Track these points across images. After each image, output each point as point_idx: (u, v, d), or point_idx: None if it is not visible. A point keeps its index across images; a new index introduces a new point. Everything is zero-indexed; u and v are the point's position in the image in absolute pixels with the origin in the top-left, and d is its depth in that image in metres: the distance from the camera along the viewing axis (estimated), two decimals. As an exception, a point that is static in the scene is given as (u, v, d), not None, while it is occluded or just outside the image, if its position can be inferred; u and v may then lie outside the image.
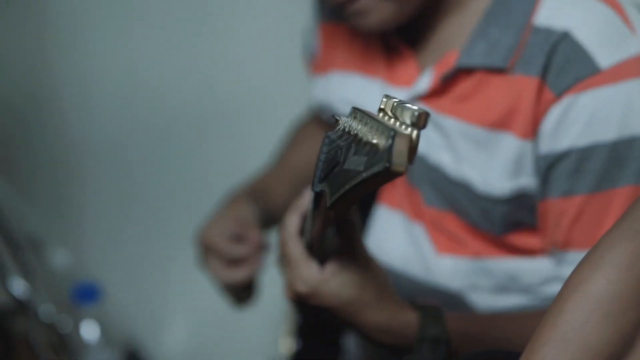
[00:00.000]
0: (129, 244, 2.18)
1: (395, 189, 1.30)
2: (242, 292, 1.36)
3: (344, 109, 1.32)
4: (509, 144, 1.17)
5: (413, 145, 0.75)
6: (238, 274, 1.33)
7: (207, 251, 1.35)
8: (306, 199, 1.07)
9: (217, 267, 1.34)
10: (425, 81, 1.22)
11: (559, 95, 1.13)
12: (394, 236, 1.30)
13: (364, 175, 0.78)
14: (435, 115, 1.22)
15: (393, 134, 0.74)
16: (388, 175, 0.75)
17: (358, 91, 1.32)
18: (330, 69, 1.37)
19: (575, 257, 1.16)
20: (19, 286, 1.70)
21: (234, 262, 1.33)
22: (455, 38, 1.22)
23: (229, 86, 2.07)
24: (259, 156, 1.71)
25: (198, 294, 2.04)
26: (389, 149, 0.74)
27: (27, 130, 2.15)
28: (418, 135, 0.76)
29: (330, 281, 1.03)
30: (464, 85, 1.20)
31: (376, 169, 0.76)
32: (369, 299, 1.04)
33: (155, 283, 2.17)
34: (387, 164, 0.74)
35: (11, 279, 1.70)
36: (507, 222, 1.21)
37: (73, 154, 2.16)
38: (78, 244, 2.14)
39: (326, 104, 1.37)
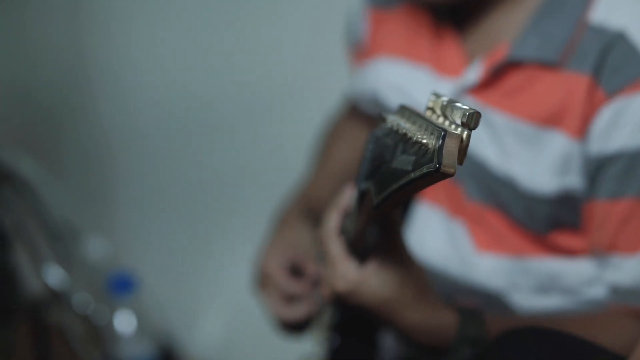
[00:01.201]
0: (165, 235, 2.18)
1: (435, 184, 1.28)
2: (295, 327, 1.35)
3: (391, 95, 1.31)
4: (558, 142, 1.15)
5: (463, 146, 0.74)
6: (294, 313, 1.31)
7: (264, 281, 1.34)
8: (346, 196, 1.06)
9: (273, 301, 1.32)
10: (474, 73, 1.20)
11: (611, 95, 1.11)
12: (433, 233, 1.29)
13: (413, 175, 0.76)
14: (482, 109, 1.20)
15: (444, 134, 0.73)
16: (437, 176, 0.74)
17: (405, 78, 1.30)
18: (378, 54, 1.35)
19: (619, 260, 1.14)
20: (55, 275, 1.70)
21: (291, 298, 1.32)
22: (507, 30, 1.20)
23: (262, 78, 2.06)
24: (293, 148, 1.71)
25: (233, 287, 2.03)
26: (439, 149, 0.72)
27: (64, 119, 2.16)
28: (469, 136, 0.74)
29: (370, 280, 1.02)
30: (514, 79, 1.18)
31: (425, 169, 0.74)
32: (409, 298, 1.03)
33: (191, 275, 2.17)
34: (437, 165, 0.72)
35: (47, 267, 1.71)
36: (550, 220, 1.19)
37: (110, 144, 2.16)
38: (114, 233, 2.14)
39: (371, 90, 1.36)
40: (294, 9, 1.99)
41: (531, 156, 1.17)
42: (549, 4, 1.17)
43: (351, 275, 1.02)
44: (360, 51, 1.40)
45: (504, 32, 1.20)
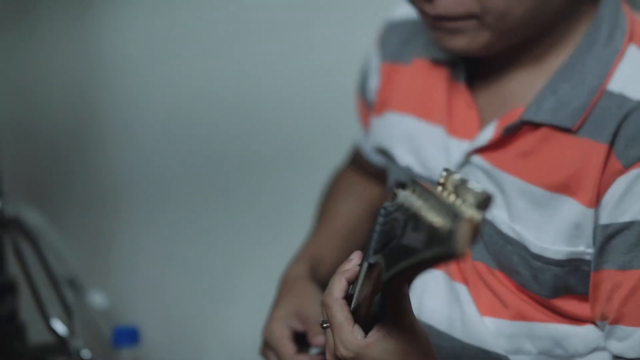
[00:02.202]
0: (169, 286, 2.18)
1: None
2: None
3: (400, 148, 1.31)
4: (570, 210, 1.14)
5: (476, 229, 0.74)
6: None
7: (267, 347, 1.34)
8: (352, 263, 1.06)
9: None
10: (487, 133, 1.20)
11: (627, 166, 1.10)
12: (436, 296, 1.28)
13: (424, 255, 0.76)
14: (493, 170, 1.20)
15: (457, 217, 0.73)
16: (449, 258, 0.74)
17: (415, 132, 1.30)
18: (388, 109, 1.35)
19: (624, 332, 1.13)
20: (59, 325, 1.70)
21: None
22: (523, 94, 1.20)
23: (276, 121, 2.07)
24: (306, 197, 1.70)
25: (238, 337, 2.03)
26: (453, 232, 0.73)
27: (67, 168, 2.16)
28: (483, 219, 0.74)
29: (374, 347, 1.01)
30: (527, 141, 1.17)
31: (438, 251, 0.74)
32: None
33: (194, 326, 2.16)
34: (451, 248, 0.73)
35: (52, 318, 1.70)
36: (557, 286, 1.18)
37: (113, 194, 2.16)
38: (117, 286, 2.14)
39: (380, 143, 1.36)
40: (307, 47, 2.00)
41: (541, 220, 1.16)
42: (568, 69, 1.17)
43: (355, 341, 1.01)
44: (371, 104, 1.40)
45: (520, 96, 1.20)
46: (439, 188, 0.80)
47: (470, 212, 0.74)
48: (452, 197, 0.78)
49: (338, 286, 1.05)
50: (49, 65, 2.09)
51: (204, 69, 2.06)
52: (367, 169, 1.48)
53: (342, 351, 1.02)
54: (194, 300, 2.17)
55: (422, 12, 1.19)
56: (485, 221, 1.18)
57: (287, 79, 2.04)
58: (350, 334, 1.01)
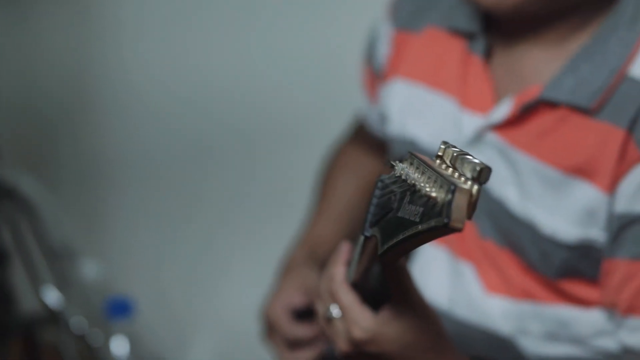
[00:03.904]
0: (162, 259, 2.17)
1: None
2: None
3: (406, 119, 1.29)
4: (585, 193, 1.13)
5: (473, 201, 0.73)
6: (299, 358, 1.30)
7: (270, 328, 1.33)
8: (348, 246, 1.05)
9: (279, 347, 1.32)
10: (503, 110, 1.18)
11: None
12: (438, 274, 1.27)
13: (420, 227, 0.76)
14: (507, 148, 1.18)
15: (453, 188, 0.72)
16: (445, 230, 0.73)
17: (424, 103, 1.27)
18: (397, 76, 1.32)
19: (636, 323, 1.12)
20: (52, 295, 1.69)
21: (297, 343, 1.30)
22: (542, 72, 1.17)
23: (273, 101, 2.06)
24: (296, 177, 1.70)
25: (230, 313, 2.03)
26: (449, 204, 0.72)
27: (63, 138, 2.16)
28: (479, 191, 0.73)
29: (389, 325, 0.99)
30: (544, 120, 1.15)
31: (433, 223, 0.74)
32: (428, 343, 1.01)
33: (187, 301, 2.16)
34: (446, 220, 0.72)
35: (45, 288, 1.70)
36: (566, 268, 1.17)
37: (109, 165, 2.16)
38: (111, 256, 2.14)
39: (385, 112, 1.34)
40: (300, 35, 1.99)
41: (554, 202, 1.15)
42: (589, 50, 1.14)
43: (369, 321, 1.00)
44: (379, 73, 1.37)
45: (538, 74, 1.18)
46: (437, 161, 0.79)
47: (467, 183, 0.73)
48: (449, 170, 0.77)
49: (338, 271, 1.04)
50: (45, 40, 2.09)
51: (200, 52, 2.06)
52: (372, 142, 1.46)
53: (358, 333, 1.00)
54: (188, 273, 2.17)
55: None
56: (482, 193, 1.18)
57: (281, 67, 2.03)
58: (362, 315, 1.00)
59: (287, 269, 1.39)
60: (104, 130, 2.14)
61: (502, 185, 1.19)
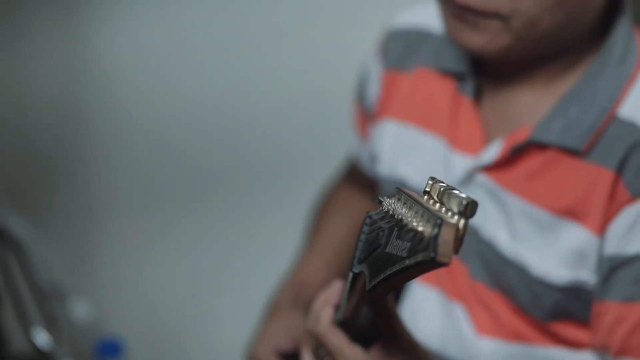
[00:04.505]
0: (152, 300, 2.17)
1: None
2: None
3: (397, 160, 1.29)
4: (575, 235, 1.13)
5: (460, 235, 0.73)
6: None
7: None
8: (336, 287, 1.04)
9: None
10: (493, 151, 1.18)
11: (636, 197, 1.09)
12: (430, 315, 1.27)
13: (407, 262, 0.76)
14: (497, 189, 1.18)
15: (440, 222, 0.72)
16: (432, 264, 0.74)
17: (415, 144, 1.28)
18: (387, 116, 1.32)
19: None
20: (41, 337, 1.68)
21: None
22: (531, 113, 1.18)
23: (261, 128, 2.06)
24: (293, 206, 1.69)
25: (219, 354, 2.02)
26: (435, 238, 0.72)
27: (52, 177, 2.15)
28: (465, 225, 0.73)
29: None
30: (534, 162, 1.16)
31: (420, 257, 0.74)
32: None
33: (177, 341, 2.15)
34: (433, 254, 0.72)
35: (34, 329, 1.69)
36: (557, 310, 1.17)
37: (99, 204, 2.16)
38: (101, 296, 2.13)
39: (376, 153, 1.34)
40: (295, 55, 2.00)
41: (545, 243, 1.15)
42: (578, 91, 1.15)
43: (361, 358, 0.99)
44: (369, 112, 1.38)
45: (528, 115, 1.18)
46: (425, 197, 0.80)
47: (453, 218, 0.73)
48: (437, 205, 0.77)
49: (325, 314, 1.03)
50: (34, 73, 2.09)
51: (190, 77, 2.06)
52: (364, 181, 1.46)
53: None
54: (178, 311, 2.16)
55: (449, 0, 1.14)
56: (468, 227, 1.17)
57: (277, 85, 2.04)
58: (353, 353, 0.99)
59: (273, 311, 1.38)
60: (95, 169, 2.14)
61: (492, 227, 1.19)
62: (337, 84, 1.67)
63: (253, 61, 2.04)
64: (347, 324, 1.01)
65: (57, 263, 1.97)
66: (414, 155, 1.27)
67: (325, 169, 1.62)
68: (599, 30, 1.17)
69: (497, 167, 1.18)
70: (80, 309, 1.98)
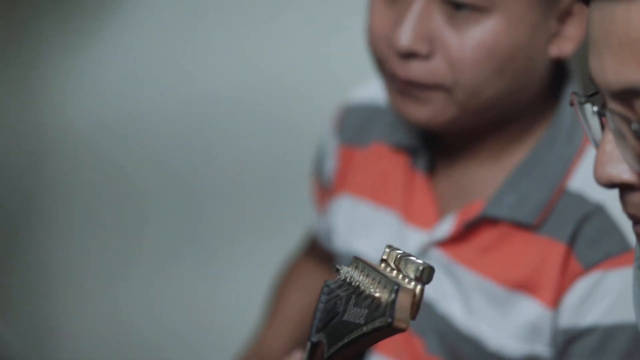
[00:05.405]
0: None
1: (392, 337, 1.26)
2: None
3: (351, 235, 1.30)
4: (529, 309, 1.14)
5: (416, 301, 0.74)
6: None
7: None
8: (296, 358, 1.04)
9: None
10: (446, 226, 1.19)
11: (588, 269, 1.10)
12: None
13: (364, 329, 0.76)
14: (451, 264, 1.19)
15: (397, 288, 0.73)
16: (389, 330, 0.74)
17: (369, 220, 1.28)
18: (342, 192, 1.33)
19: None
20: None
21: None
22: (483, 187, 1.19)
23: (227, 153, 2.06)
24: (267, 230, 1.69)
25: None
26: (392, 304, 0.73)
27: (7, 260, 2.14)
28: (422, 291, 0.74)
29: None
30: (487, 236, 1.17)
31: (377, 323, 0.74)
32: None
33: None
34: (390, 320, 0.73)
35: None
36: None
37: (54, 286, 2.14)
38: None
39: (332, 229, 1.34)
40: (284, 65, 2.01)
41: (499, 317, 1.15)
42: (529, 165, 1.16)
43: None
44: (327, 187, 1.38)
45: (480, 189, 1.19)
46: (382, 264, 0.81)
47: (410, 283, 0.74)
48: (394, 272, 0.78)
49: None
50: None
51: (146, 133, 2.08)
52: (323, 254, 1.46)
53: None
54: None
55: (391, 75, 1.16)
56: (424, 302, 1.18)
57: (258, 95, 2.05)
58: None
59: None
60: (47, 244, 2.13)
61: (447, 301, 1.19)
62: (332, 94, 1.66)
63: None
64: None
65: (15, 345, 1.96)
66: (369, 230, 1.28)
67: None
68: (550, 97, 1.19)
69: (450, 242, 1.19)
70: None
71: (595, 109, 0.79)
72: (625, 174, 0.76)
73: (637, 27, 0.72)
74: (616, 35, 0.73)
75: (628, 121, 0.74)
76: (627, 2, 0.72)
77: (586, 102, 0.79)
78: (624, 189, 0.78)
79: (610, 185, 0.78)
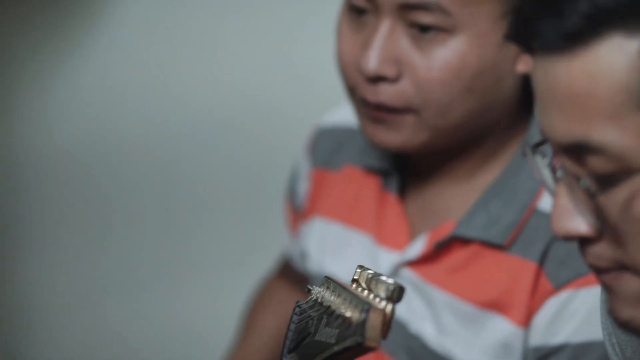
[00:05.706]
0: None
1: (365, 357, 1.26)
2: None
3: (323, 258, 1.30)
4: (500, 328, 1.14)
5: (387, 320, 0.74)
6: None
7: None
8: None
9: None
10: (417, 247, 1.20)
11: (558, 288, 1.11)
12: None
13: (335, 348, 0.77)
14: (422, 283, 1.19)
15: (367, 307, 0.74)
16: (360, 349, 0.75)
17: (341, 242, 1.29)
18: (315, 214, 1.34)
19: None
20: None
21: None
22: (454, 208, 1.20)
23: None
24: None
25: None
26: (362, 323, 0.73)
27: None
28: (393, 310, 0.75)
29: None
30: (458, 256, 1.18)
31: (348, 342, 0.75)
32: None
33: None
34: (360, 339, 0.73)
35: None
36: None
37: (32, 300, 2.13)
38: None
39: (304, 251, 1.35)
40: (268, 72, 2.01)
41: (470, 336, 1.16)
42: (500, 185, 1.17)
43: None
44: (300, 210, 1.39)
45: (451, 210, 1.20)
46: (353, 285, 0.81)
47: (381, 303, 0.75)
48: (365, 292, 0.79)
49: None
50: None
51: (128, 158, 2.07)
52: (296, 277, 1.47)
53: None
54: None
55: (361, 100, 1.17)
56: (395, 321, 1.18)
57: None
58: None
59: None
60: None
61: (419, 321, 1.20)
62: (309, 116, 1.67)
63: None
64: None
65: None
66: (341, 252, 1.29)
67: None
68: (522, 115, 1.20)
69: (422, 262, 1.20)
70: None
71: (546, 161, 0.79)
72: (581, 227, 0.76)
73: (580, 83, 0.72)
74: (560, 91, 0.74)
75: (577, 178, 0.75)
76: (568, 59, 0.73)
77: (536, 152, 0.80)
78: (583, 241, 0.77)
79: (567, 239, 0.77)
